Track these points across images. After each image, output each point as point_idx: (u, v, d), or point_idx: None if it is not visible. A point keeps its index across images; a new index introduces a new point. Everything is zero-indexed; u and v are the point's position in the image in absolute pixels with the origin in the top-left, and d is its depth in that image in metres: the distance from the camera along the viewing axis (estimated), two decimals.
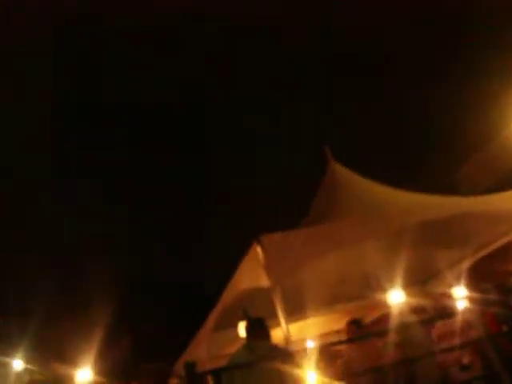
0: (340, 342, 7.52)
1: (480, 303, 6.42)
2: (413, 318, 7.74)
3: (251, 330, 5.68)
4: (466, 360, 6.54)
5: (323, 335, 11.00)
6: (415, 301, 9.92)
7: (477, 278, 7.81)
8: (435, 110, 14.12)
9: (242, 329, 6.18)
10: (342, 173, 10.08)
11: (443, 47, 13.39)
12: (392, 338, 7.13)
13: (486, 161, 13.53)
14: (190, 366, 4.47)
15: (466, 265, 10.45)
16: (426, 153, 14.64)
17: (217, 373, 4.93)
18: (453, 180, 14.38)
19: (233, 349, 8.12)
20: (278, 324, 6.45)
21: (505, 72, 11.43)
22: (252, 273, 7.18)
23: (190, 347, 9.28)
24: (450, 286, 10.88)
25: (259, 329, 5.63)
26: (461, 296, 10.38)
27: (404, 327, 7.27)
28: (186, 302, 18.84)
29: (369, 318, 12.20)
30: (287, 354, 5.52)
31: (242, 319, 6.57)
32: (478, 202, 8.42)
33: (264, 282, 6.81)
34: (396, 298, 9.28)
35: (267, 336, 5.64)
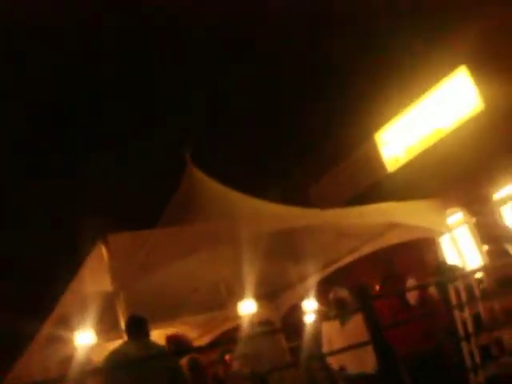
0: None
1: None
2: (260, 330, 7.58)
3: (133, 327, 5.49)
4: None
5: None
6: (265, 312, 9.92)
7: (325, 292, 7.85)
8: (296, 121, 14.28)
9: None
10: (199, 178, 9.82)
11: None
12: (239, 349, 6.95)
13: (344, 175, 14.00)
14: None
15: (316, 279, 10.68)
16: (285, 166, 14.82)
17: None
18: (307, 194, 14.69)
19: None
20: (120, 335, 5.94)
21: (367, 83, 11.84)
22: (95, 275, 6.60)
23: (21, 358, 8.46)
24: (301, 298, 11.05)
25: (142, 326, 5.49)
26: (310, 309, 10.58)
27: (251, 338, 7.09)
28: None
29: (219, 331, 12.03)
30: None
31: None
32: (329, 215, 8.48)
33: (108, 285, 6.26)
34: (247, 308, 9.18)
35: (148, 334, 5.51)
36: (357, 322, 5.99)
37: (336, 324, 6.48)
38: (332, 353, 6.39)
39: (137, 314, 5.69)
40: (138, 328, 5.46)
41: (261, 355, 6.55)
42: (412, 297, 6.88)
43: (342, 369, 6.31)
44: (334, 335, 6.43)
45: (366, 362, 5.82)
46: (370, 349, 5.61)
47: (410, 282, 7.19)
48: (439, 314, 6.82)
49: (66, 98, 17.04)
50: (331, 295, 6.69)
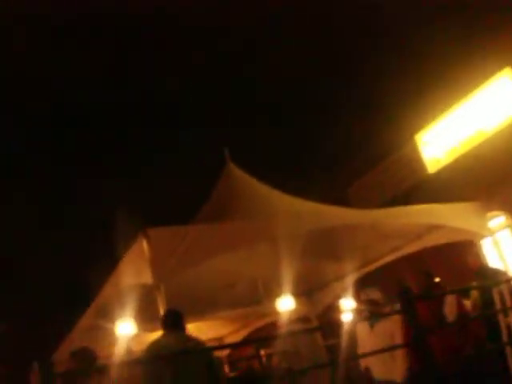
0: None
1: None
2: (300, 327, 7.58)
3: (171, 320, 5.58)
4: None
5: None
6: (302, 309, 9.91)
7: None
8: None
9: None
10: (238, 175, 9.83)
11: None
12: (279, 345, 6.99)
13: (384, 176, 13.90)
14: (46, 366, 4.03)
15: (353, 278, 10.63)
16: (321, 168, 14.76)
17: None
18: (345, 195, 14.64)
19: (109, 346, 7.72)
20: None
21: (410, 84, 11.73)
22: (135, 268, 6.69)
23: (65, 340, 8.66)
24: (338, 297, 11.02)
25: (179, 320, 5.59)
26: (347, 308, 10.54)
27: (291, 336, 7.10)
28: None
29: (253, 327, 12.10)
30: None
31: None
32: (369, 215, 8.44)
33: (148, 278, 6.35)
34: (285, 305, 9.20)
35: (184, 328, 5.62)
36: (386, 326, 6.02)
37: (366, 326, 6.41)
38: (366, 354, 6.31)
39: (174, 308, 5.79)
40: (175, 321, 5.56)
41: (299, 352, 6.57)
42: (450, 313, 6.49)
43: (367, 370, 6.26)
44: (364, 337, 6.38)
45: (392, 369, 5.80)
46: (398, 356, 5.60)
47: (451, 299, 6.73)
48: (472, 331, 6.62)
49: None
50: (363, 296, 6.63)
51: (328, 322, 11.50)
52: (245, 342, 11.59)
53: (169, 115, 17.33)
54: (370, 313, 6.40)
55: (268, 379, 7.47)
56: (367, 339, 6.26)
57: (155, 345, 5.41)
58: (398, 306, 6.00)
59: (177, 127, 17.09)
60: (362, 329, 6.45)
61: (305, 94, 14.98)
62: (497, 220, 10.23)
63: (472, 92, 11.73)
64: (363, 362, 6.44)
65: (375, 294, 6.43)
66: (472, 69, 11.28)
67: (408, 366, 5.75)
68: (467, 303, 7.41)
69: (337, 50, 13.78)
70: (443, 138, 12.47)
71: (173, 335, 5.43)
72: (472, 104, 11.78)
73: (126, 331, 7.67)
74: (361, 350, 6.33)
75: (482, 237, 9.32)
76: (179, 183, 15.64)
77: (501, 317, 6.12)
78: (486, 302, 6.47)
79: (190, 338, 5.54)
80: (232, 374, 10.14)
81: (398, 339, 5.86)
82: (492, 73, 11.27)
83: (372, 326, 6.29)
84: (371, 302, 6.38)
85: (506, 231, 10.27)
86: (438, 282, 7.58)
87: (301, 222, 7.40)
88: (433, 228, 8.96)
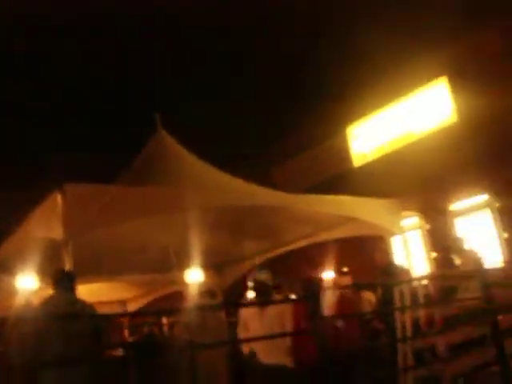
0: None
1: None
2: (206, 301, 7.56)
3: (61, 280, 5.49)
4: None
5: (105, 304, 10.58)
6: (209, 282, 9.93)
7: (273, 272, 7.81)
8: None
9: None
10: (168, 142, 9.67)
11: None
12: (183, 316, 6.93)
13: (311, 162, 14.08)
14: None
15: (263, 258, 10.74)
16: (252, 145, 14.70)
17: None
18: (273, 174, 14.75)
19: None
20: None
21: (342, 81, 11.85)
22: (46, 222, 6.44)
23: None
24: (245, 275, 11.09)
25: (70, 280, 5.53)
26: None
27: (198, 309, 7.07)
28: None
29: (162, 293, 12.06)
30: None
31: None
32: (284, 198, 8.43)
33: (58, 233, 6.12)
34: (194, 276, 9.18)
35: (74, 289, 5.54)
36: (277, 309, 5.81)
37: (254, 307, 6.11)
38: (251, 339, 5.91)
39: (67, 269, 5.75)
40: (65, 281, 5.49)
41: (203, 325, 6.53)
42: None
43: (252, 355, 5.79)
44: (251, 318, 5.97)
45: (281, 352, 5.64)
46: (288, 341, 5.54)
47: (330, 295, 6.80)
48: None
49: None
50: (250, 276, 6.31)
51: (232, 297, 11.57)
52: (145, 313, 11.51)
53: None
54: (257, 293, 6.13)
55: (167, 348, 7.42)
56: (254, 321, 5.95)
57: (44, 304, 5.37)
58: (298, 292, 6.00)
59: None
60: (247, 310, 6.14)
61: (242, 72, 14.86)
62: (409, 220, 10.62)
63: (407, 94, 12.03)
64: (249, 345, 6.00)
65: (263, 276, 6.11)
66: (411, 72, 11.55)
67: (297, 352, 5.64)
68: (372, 297, 7.71)
69: (277, 37, 13.69)
70: (373, 135, 12.76)
71: (62, 296, 5.36)
72: (406, 106, 12.09)
73: (27, 285, 7.43)
74: (246, 332, 5.98)
75: (393, 234, 9.65)
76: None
77: (397, 314, 6.35)
78: (387, 299, 6.71)
79: (78, 301, 5.47)
80: (131, 339, 10.07)
81: (288, 324, 5.72)
82: (429, 79, 11.58)
83: (262, 309, 5.95)
84: (257, 283, 6.08)
85: (417, 232, 10.69)
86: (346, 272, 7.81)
87: (211, 197, 7.31)
88: (345, 219, 9.15)
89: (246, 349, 5.90)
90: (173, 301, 11.49)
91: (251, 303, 6.68)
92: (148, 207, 6.85)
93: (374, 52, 11.17)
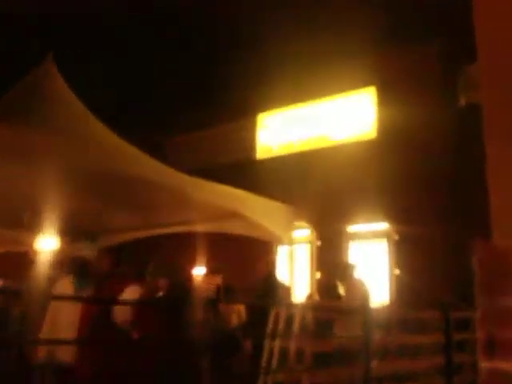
0: None
1: None
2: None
3: None
4: None
5: None
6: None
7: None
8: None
9: None
10: (54, 80, 8.26)
11: None
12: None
13: (207, 143, 13.08)
14: None
15: (134, 235, 9.66)
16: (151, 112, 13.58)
17: None
18: (166, 149, 13.53)
19: None
20: None
21: (265, 67, 11.07)
22: None
23: None
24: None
25: None
26: None
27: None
28: None
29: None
30: None
31: None
32: (179, 178, 7.41)
33: None
34: (48, 245, 7.96)
35: None
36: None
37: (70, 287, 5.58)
38: None
39: None
40: None
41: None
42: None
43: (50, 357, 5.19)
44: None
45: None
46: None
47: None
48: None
49: None
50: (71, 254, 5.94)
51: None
52: None
53: None
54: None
55: None
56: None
57: None
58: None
59: None
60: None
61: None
62: (300, 231, 9.85)
63: (330, 97, 11.32)
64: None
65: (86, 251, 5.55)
66: (338, 75, 10.97)
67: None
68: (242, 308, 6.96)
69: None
70: (285, 129, 11.94)
71: None
72: (326, 108, 11.37)
73: None
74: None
75: (281, 243, 8.85)
76: None
77: (267, 341, 5.51)
78: (258, 318, 5.86)
79: None
80: None
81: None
82: (356, 86, 10.95)
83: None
84: (77, 260, 5.72)
85: (306, 246, 9.98)
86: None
87: (90, 158, 6.21)
88: (231, 214, 8.18)
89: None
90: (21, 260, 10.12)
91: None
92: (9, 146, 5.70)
93: (301, 47, 10.57)
